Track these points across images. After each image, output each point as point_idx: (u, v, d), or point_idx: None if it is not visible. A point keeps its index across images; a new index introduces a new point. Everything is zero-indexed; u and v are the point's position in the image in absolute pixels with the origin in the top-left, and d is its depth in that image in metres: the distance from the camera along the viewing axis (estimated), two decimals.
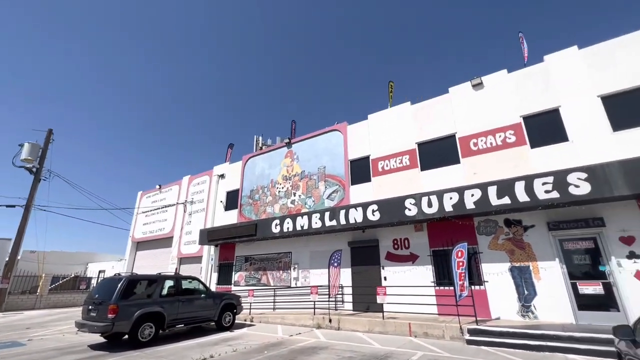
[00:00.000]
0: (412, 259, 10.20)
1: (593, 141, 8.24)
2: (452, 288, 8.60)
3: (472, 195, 8.62)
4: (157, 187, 21.16)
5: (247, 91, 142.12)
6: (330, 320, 9.66)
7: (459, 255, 8.21)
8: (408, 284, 9.73)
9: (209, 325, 10.04)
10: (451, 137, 10.56)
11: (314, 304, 10.51)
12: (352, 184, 12.38)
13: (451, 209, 8.86)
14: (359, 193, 11.95)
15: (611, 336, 5.97)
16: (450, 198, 8.93)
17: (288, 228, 12.30)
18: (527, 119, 9.37)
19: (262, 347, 7.24)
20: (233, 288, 14.52)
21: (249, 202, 15.65)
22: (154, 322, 7.86)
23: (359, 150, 12.59)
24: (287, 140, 15.24)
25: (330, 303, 10.72)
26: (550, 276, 7.99)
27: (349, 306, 10.97)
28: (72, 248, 47.28)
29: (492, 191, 8.36)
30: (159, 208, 20.41)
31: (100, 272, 24.05)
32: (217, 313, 9.51)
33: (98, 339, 8.30)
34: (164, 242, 19.26)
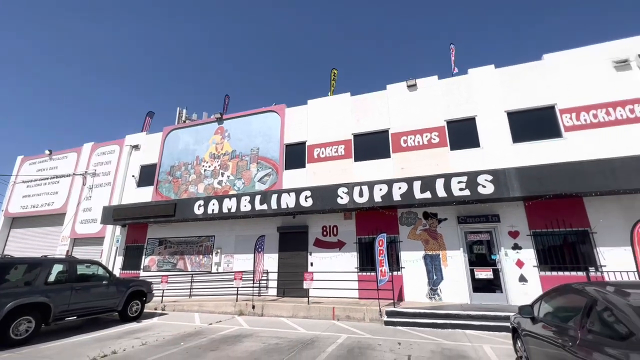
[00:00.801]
0: (339, 245, 10.52)
1: (498, 149, 9.58)
2: (374, 274, 9.15)
3: (400, 188, 9.22)
4: (47, 152, 17.36)
5: (171, 53, 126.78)
6: (253, 307, 9.35)
7: (380, 243, 8.77)
8: (334, 270, 10.03)
9: (111, 316, 8.73)
10: (385, 132, 11.10)
11: (237, 290, 10.05)
12: (285, 169, 12.09)
13: (380, 200, 9.34)
14: (293, 178, 11.75)
15: (498, 313, 7.11)
16: (380, 189, 9.41)
17: (213, 210, 11.41)
18: (450, 123, 10.40)
19: (178, 338, 6.57)
20: (142, 274, 12.94)
21: (168, 179, 14.03)
22: (36, 315, 6.43)
23: (296, 135, 12.33)
24: (218, 115, 14.02)
25: (254, 289, 10.40)
26: (455, 263, 9.13)
27: (273, 292, 10.81)
28: None
29: (416, 186, 9.06)
30: (48, 178, 16.82)
31: None
32: (122, 302, 8.31)
33: None
34: (53, 219, 16.01)
